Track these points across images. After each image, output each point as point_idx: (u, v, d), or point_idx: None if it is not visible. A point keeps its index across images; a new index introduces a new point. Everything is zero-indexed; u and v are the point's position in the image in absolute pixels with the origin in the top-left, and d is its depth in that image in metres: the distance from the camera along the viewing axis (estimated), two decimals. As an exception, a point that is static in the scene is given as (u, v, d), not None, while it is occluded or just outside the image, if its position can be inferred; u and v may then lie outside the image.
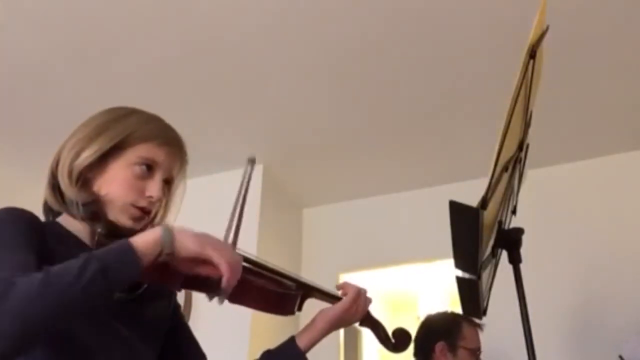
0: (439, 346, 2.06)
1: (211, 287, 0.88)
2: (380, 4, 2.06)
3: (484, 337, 2.15)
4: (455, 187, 3.13)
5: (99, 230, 0.94)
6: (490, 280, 1.32)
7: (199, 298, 2.69)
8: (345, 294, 1.15)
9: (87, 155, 0.97)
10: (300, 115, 2.71)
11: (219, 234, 0.93)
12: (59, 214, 1.00)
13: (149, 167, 0.99)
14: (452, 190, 2.52)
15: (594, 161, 2.99)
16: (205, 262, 0.85)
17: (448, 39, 2.22)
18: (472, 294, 1.08)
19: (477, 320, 2.09)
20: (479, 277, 1.01)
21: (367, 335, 4.25)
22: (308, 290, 1.13)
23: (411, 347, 2.13)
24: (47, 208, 1.02)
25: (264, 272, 1.07)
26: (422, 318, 2.31)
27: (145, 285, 0.98)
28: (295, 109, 2.67)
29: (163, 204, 1.06)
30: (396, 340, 1.23)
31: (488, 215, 0.94)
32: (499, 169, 0.96)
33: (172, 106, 2.43)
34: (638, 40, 2.22)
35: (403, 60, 2.34)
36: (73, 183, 0.96)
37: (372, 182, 3.29)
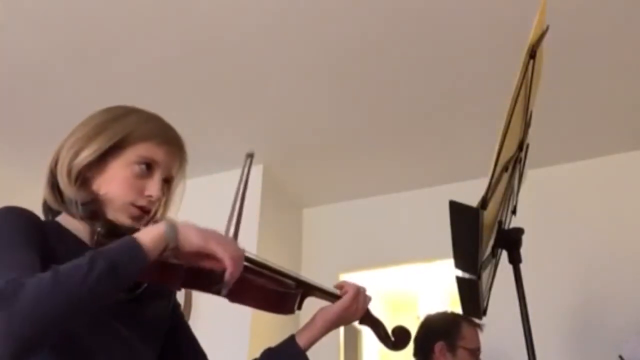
0: (439, 346, 2.06)
1: (214, 280, 0.88)
2: (380, 4, 2.06)
3: (484, 337, 2.15)
4: (455, 187, 3.13)
5: (99, 229, 0.94)
6: (490, 280, 1.32)
7: (199, 298, 2.69)
8: (344, 293, 1.15)
9: (87, 155, 0.97)
10: (300, 115, 2.71)
11: (220, 231, 0.93)
12: (58, 213, 1.00)
13: (149, 166, 0.99)
14: (452, 190, 2.52)
15: (594, 161, 2.99)
16: (208, 255, 0.86)
17: (448, 39, 2.22)
18: (472, 294, 1.08)
19: (476, 320, 2.09)
20: (479, 277, 1.01)
21: (367, 335, 4.25)
22: (308, 289, 1.13)
23: (411, 347, 2.15)
24: (46, 207, 1.02)
25: (264, 271, 1.07)
26: (422, 318, 2.31)
27: (145, 285, 0.98)
28: (295, 109, 2.67)
29: (162, 202, 1.06)
30: (396, 338, 1.23)
31: (488, 215, 0.94)
32: (499, 169, 0.96)
33: (172, 106, 2.43)
34: (638, 40, 2.22)
35: (403, 60, 2.34)
36: (72, 182, 0.96)
37: (372, 182, 3.29)
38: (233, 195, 1.03)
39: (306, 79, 2.46)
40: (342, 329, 3.23)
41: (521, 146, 1.21)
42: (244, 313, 2.59)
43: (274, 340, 1.14)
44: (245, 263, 0.96)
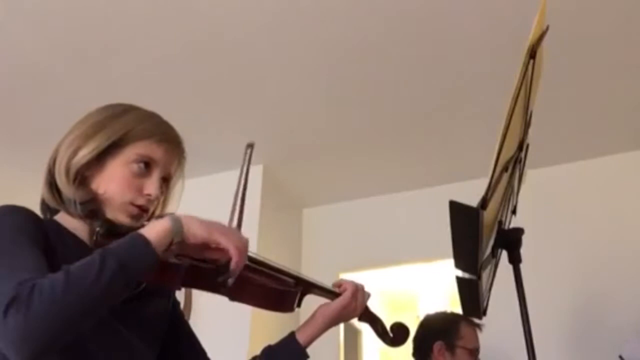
0: (437, 346, 2.06)
1: (219, 272, 0.89)
2: (380, 4, 2.06)
3: (484, 337, 2.15)
4: (455, 187, 3.13)
5: (98, 229, 0.94)
6: (490, 280, 1.32)
7: (199, 298, 2.69)
8: (343, 290, 1.16)
9: (85, 154, 0.96)
10: (300, 115, 2.71)
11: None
12: (56, 212, 1.00)
13: (147, 165, 0.99)
14: (452, 190, 2.52)
15: (594, 161, 2.99)
16: (213, 246, 0.87)
17: (448, 39, 2.22)
18: (472, 294, 1.08)
19: (475, 320, 2.09)
20: (479, 277, 1.01)
21: (367, 335, 4.25)
22: (307, 287, 1.13)
23: (410, 347, 2.15)
24: (44, 206, 1.02)
25: (264, 270, 1.08)
26: (421, 318, 2.31)
27: (144, 284, 0.98)
28: (295, 109, 2.67)
29: (161, 201, 1.06)
30: (394, 335, 1.24)
31: (488, 215, 0.94)
32: (499, 169, 0.96)
33: (171, 106, 2.42)
34: (638, 40, 2.22)
35: (403, 60, 2.34)
36: (70, 181, 0.96)
37: (372, 182, 3.29)
38: (233, 195, 1.04)
39: (306, 79, 2.46)
40: (342, 328, 3.24)
41: (521, 146, 1.21)
42: (244, 312, 2.60)
43: (274, 339, 1.14)
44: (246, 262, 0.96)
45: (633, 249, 2.71)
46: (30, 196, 1.08)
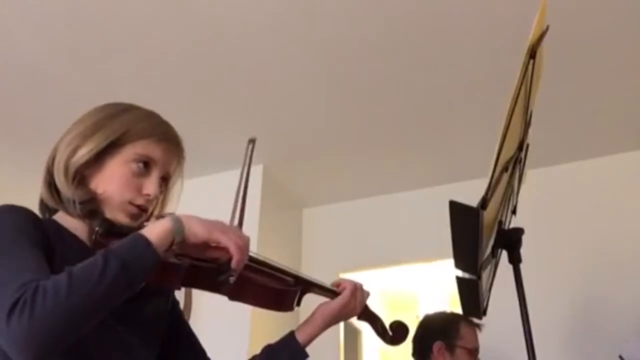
0: (437, 346, 2.06)
1: (220, 271, 0.89)
2: (380, 4, 2.06)
3: (484, 338, 2.15)
4: (455, 187, 3.13)
5: (97, 228, 0.94)
6: (490, 280, 1.32)
7: (199, 298, 2.69)
8: (342, 290, 1.16)
9: (83, 153, 0.96)
10: (300, 115, 2.71)
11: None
12: (55, 211, 1.00)
13: (146, 165, 0.99)
14: (452, 190, 2.52)
15: (594, 161, 2.99)
16: (214, 245, 0.87)
17: (448, 39, 2.22)
18: (472, 294, 1.08)
19: (475, 320, 2.09)
20: (479, 277, 1.01)
21: (367, 335, 4.26)
22: (307, 286, 1.13)
23: (410, 347, 2.15)
24: (43, 206, 1.01)
25: (264, 269, 1.08)
26: (421, 318, 2.31)
27: (144, 284, 0.98)
28: (295, 109, 2.67)
29: (160, 200, 1.06)
30: (393, 333, 1.24)
31: (488, 215, 0.94)
32: (499, 169, 0.96)
33: (171, 106, 2.43)
34: (638, 40, 2.22)
35: (403, 60, 2.34)
36: (69, 181, 0.95)
37: (372, 182, 3.29)
38: (233, 196, 1.04)
39: (306, 79, 2.46)
40: (342, 328, 3.24)
41: (521, 146, 1.21)
42: (244, 312, 2.60)
43: (274, 339, 1.15)
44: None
45: (633, 249, 2.71)
46: (30, 196, 1.08)
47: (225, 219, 1.00)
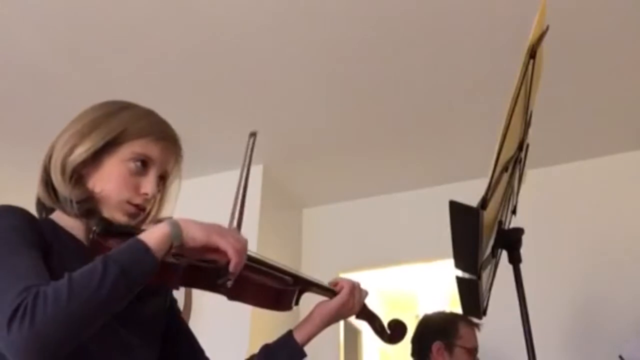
0: (436, 346, 2.06)
1: (219, 274, 0.89)
2: (380, 4, 2.06)
3: (484, 338, 2.15)
4: (455, 187, 3.13)
5: (95, 228, 0.93)
6: (490, 280, 1.32)
7: (199, 298, 2.69)
8: (340, 289, 1.16)
9: (81, 152, 0.95)
10: (300, 115, 2.71)
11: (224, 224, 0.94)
12: (52, 210, 0.99)
13: (144, 163, 0.98)
14: (452, 190, 2.52)
15: (594, 161, 2.99)
16: (212, 249, 0.86)
17: (448, 39, 2.22)
18: (472, 294, 1.08)
19: (474, 320, 2.09)
20: (479, 277, 1.01)
21: (367, 335, 4.26)
22: (305, 285, 1.13)
23: (409, 347, 2.15)
24: (40, 205, 1.01)
25: (263, 268, 1.08)
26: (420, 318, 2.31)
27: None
28: (295, 109, 2.67)
29: (157, 199, 1.05)
30: (392, 332, 1.24)
31: (488, 215, 0.94)
32: (499, 169, 0.96)
33: (171, 106, 2.43)
34: (638, 40, 2.22)
35: (403, 60, 2.34)
36: (66, 180, 0.95)
37: (372, 182, 3.29)
38: (233, 195, 1.04)
39: (306, 79, 2.46)
40: (342, 328, 3.24)
41: (521, 146, 1.21)
42: (244, 312, 2.60)
43: (274, 338, 1.14)
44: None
45: (633, 249, 2.71)
46: (29, 196, 1.07)
47: (226, 218, 1.00)
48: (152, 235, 0.81)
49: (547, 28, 1.06)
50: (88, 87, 2.45)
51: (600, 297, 2.70)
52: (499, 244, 1.15)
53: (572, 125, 2.76)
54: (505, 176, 1.07)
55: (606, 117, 2.70)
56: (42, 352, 0.70)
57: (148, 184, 0.98)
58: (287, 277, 1.11)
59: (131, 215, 0.97)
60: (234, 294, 0.98)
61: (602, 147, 2.92)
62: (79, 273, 0.74)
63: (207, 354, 1.15)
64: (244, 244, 0.90)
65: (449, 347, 2.06)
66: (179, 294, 1.12)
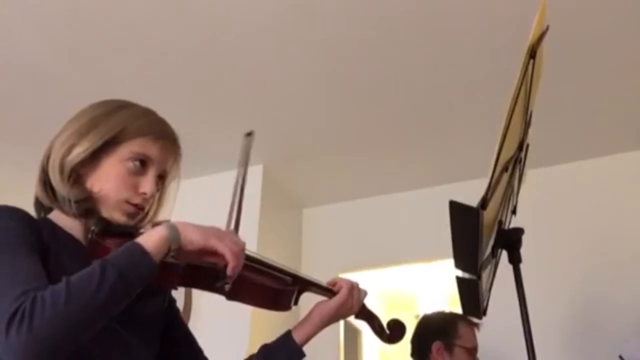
0: (436, 346, 2.06)
1: (217, 276, 0.89)
2: (379, 4, 2.06)
3: (484, 338, 2.15)
4: (455, 187, 3.13)
5: (93, 228, 0.93)
6: (490, 280, 1.32)
7: (199, 298, 2.69)
8: (339, 289, 1.16)
9: (79, 152, 0.95)
10: (300, 115, 2.71)
11: (222, 227, 0.94)
12: (50, 210, 0.99)
13: (143, 163, 0.98)
14: (452, 190, 2.52)
15: (594, 161, 2.99)
16: (210, 252, 0.86)
17: (448, 39, 2.22)
18: (472, 294, 1.08)
19: (473, 319, 2.09)
20: (479, 277, 1.01)
21: (367, 335, 4.26)
22: (304, 285, 1.13)
23: (408, 347, 2.15)
24: (38, 204, 1.00)
25: (261, 268, 1.07)
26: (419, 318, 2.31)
27: None
28: (295, 109, 2.67)
29: (156, 199, 1.05)
30: (391, 332, 1.24)
31: (488, 215, 0.94)
32: (499, 169, 0.96)
33: (172, 106, 2.43)
34: (638, 40, 2.22)
35: (403, 60, 2.34)
36: (65, 179, 0.94)
37: (372, 182, 3.29)
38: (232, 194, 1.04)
39: (306, 79, 2.46)
40: (342, 328, 3.24)
41: (521, 146, 1.21)
42: (244, 312, 2.60)
43: (274, 338, 1.14)
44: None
45: (633, 249, 2.71)
46: (29, 196, 1.07)
47: (224, 219, 1.00)
48: (150, 239, 0.81)
49: (547, 28, 1.06)
50: (88, 87, 2.44)
51: (600, 297, 2.70)
52: (499, 244, 1.15)
53: (572, 125, 2.76)
54: (505, 176, 1.07)
55: (606, 117, 2.70)
56: (41, 356, 0.70)
57: (147, 184, 0.98)
58: (286, 277, 1.10)
59: (130, 215, 0.97)
60: (232, 294, 0.98)
61: (602, 147, 2.92)
62: (77, 277, 0.74)
63: (207, 354, 1.15)
64: (241, 247, 0.90)
65: (449, 347, 2.06)
66: (179, 294, 1.12)
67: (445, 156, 3.03)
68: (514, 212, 1.34)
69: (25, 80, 2.43)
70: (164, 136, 1.01)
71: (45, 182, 0.97)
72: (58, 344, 0.71)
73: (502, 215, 1.20)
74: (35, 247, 0.85)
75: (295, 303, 1.12)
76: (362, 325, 1.26)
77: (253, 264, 1.06)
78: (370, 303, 1.25)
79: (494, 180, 0.93)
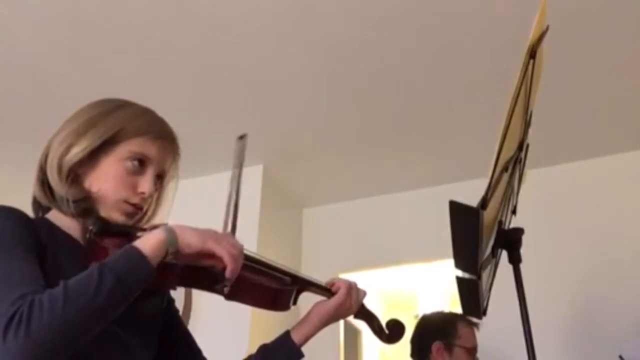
0: (436, 346, 2.06)
1: (216, 278, 0.89)
2: (379, 4, 2.06)
3: (484, 338, 2.15)
4: (455, 187, 3.13)
5: (91, 227, 0.93)
6: (490, 280, 1.32)
7: (199, 298, 2.69)
8: (337, 289, 1.15)
9: (77, 151, 0.95)
10: (300, 115, 2.71)
11: (219, 229, 0.93)
12: (48, 209, 0.99)
13: (141, 162, 0.98)
14: (452, 190, 2.52)
15: (594, 161, 2.99)
16: (208, 255, 0.86)
17: (448, 39, 2.22)
18: (472, 294, 1.08)
19: (472, 319, 2.09)
20: (479, 277, 1.01)
21: (367, 336, 4.25)
22: (303, 285, 1.13)
23: (408, 347, 2.15)
24: (36, 204, 1.00)
25: (260, 268, 1.07)
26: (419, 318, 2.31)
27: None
28: (295, 109, 2.67)
29: (155, 198, 1.05)
30: (390, 332, 1.24)
31: (488, 215, 0.94)
32: (499, 169, 0.96)
33: (172, 106, 2.43)
34: (638, 40, 2.22)
35: (403, 60, 2.34)
36: (63, 179, 0.94)
37: (372, 182, 3.29)
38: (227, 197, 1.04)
39: (306, 79, 2.46)
40: (342, 328, 3.24)
41: (521, 146, 1.21)
42: (244, 312, 2.60)
43: (274, 338, 1.14)
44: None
45: (633, 249, 2.71)
46: (29, 196, 1.07)
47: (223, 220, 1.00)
48: (148, 242, 0.81)
49: (547, 28, 1.06)
50: (88, 87, 2.44)
51: (600, 297, 2.70)
52: (499, 244, 1.15)
53: (572, 125, 2.76)
54: (505, 176, 1.07)
55: (606, 117, 2.70)
56: None
57: (145, 183, 0.97)
58: (284, 277, 1.10)
59: (128, 215, 0.97)
60: (231, 295, 0.98)
61: (602, 147, 2.92)
62: (75, 281, 0.74)
63: (207, 354, 1.15)
64: (239, 249, 0.89)
65: (449, 347, 2.06)
66: (179, 294, 1.12)
67: (445, 156, 3.03)
68: (514, 212, 1.34)
69: (25, 80, 2.43)
70: (163, 136, 1.01)
71: (44, 181, 0.96)
72: (56, 348, 0.71)
73: (502, 215, 1.20)
74: (33, 247, 0.85)
75: (294, 303, 1.12)
76: (362, 325, 1.26)
77: (251, 264, 1.05)
78: (370, 303, 1.25)
79: (494, 180, 0.93)
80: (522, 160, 1.27)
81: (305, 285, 1.14)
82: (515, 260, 1.12)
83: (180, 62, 2.35)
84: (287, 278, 1.10)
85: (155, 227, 0.91)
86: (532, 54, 1.00)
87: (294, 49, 2.28)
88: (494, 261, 1.24)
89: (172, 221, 0.96)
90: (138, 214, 0.99)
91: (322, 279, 1.19)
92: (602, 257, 2.76)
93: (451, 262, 0.98)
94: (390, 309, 4.78)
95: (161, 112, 1.06)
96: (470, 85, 2.48)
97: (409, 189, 3.30)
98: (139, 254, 0.79)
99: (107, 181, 0.95)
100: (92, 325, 0.74)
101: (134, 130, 0.98)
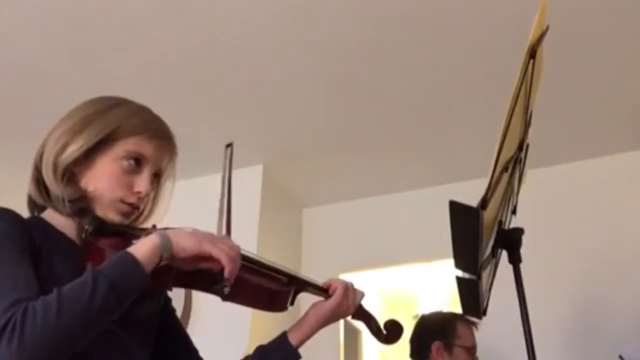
0: (435, 346, 2.06)
1: (214, 280, 0.89)
2: (379, 4, 2.06)
3: (484, 338, 2.15)
4: (455, 187, 3.13)
5: (87, 227, 0.92)
6: (490, 280, 1.32)
7: (199, 298, 2.69)
8: (334, 291, 1.15)
9: (73, 150, 0.94)
10: (300, 115, 2.71)
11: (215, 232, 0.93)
12: (43, 208, 0.98)
13: (137, 161, 0.97)
14: (452, 190, 2.52)
15: (594, 161, 2.99)
16: (205, 257, 0.86)
17: (448, 39, 2.22)
18: (472, 294, 1.08)
19: (472, 319, 2.09)
20: (479, 277, 1.01)
21: (367, 336, 4.25)
22: (300, 285, 1.13)
23: (407, 347, 2.15)
24: (31, 203, 0.99)
25: (257, 268, 1.07)
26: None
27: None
28: (295, 109, 2.67)
29: (151, 197, 1.04)
30: (388, 332, 1.24)
31: (488, 215, 0.94)
32: (499, 169, 0.96)
33: (172, 106, 2.43)
34: (638, 40, 2.22)
35: (403, 60, 2.34)
36: (58, 179, 0.93)
37: (372, 182, 3.29)
38: (234, 196, 1.03)
39: (306, 79, 2.46)
40: (342, 328, 3.24)
41: (521, 146, 1.21)
42: (244, 312, 2.59)
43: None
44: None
45: (633, 249, 2.71)
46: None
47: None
48: (142, 248, 0.80)
49: (547, 28, 1.06)
50: (88, 87, 2.44)
51: (600, 297, 2.70)
52: (499, 244, 1.15)
53: (572, 125, 2.76)
54: (505, 176, 1.07)
55: (606, 117, 2.70)
56: None
57: (142, 183, 0.97)
58: (281, 277, 1.10)
59: (125, 214, 0.96)
60: (228, 296, 0.98)
61: (602, 147, 2.92)
62: (69, 287, 0.74)
63: (206, 354, 1.14)
64: (237, 250, 0.89)
65: (448, 347, 2.06)
66: (178, 294, 1.12)
67: (445, 156, 3.03)
68: (514, 212, 1.34)
69: (25, 80, 2.43)
70: (159, 134, 1.00)
71: (39, 180, 0.96)
72: (50, 355, 0.70)
73: (502, 215, 1.20)
74: (27, 249, 0.84)
75: (292, 303, 1.12)
76: (362, 326, 1.26)
77: (249, 265, 1.05)
78: (369, 303, 1.24)
79: (494, 180, 0.93)
80: (522, 160, 1.27)
81: (303, 285, 1.13)
82: (515, 260, 1.12)
83: (180, 62, 2.35)
84: (284, 278, 1.10)
85: (149, 232, 0.90)
86: (532, 54, 1.00)
87: (294, 49, 2.28)
88: (494, 261, 1.24)
89: (176, 222, 0.96)
90: (134, 214, 0.99)
91: (322, 279, 1.19)
92: (602, 257, 2.76)
93: (451, 262, 0.98)
94: (390, 309, 4.78)
95: (161, 112, 1.05)
96: (470, 85, 2.48)
97: (409, 189, 3.30)
98: (133, 260, 0.78)
99: (103, 180, 0.95)
100: (86, 332, 0.74)
101: (131, 128, 0.97)
